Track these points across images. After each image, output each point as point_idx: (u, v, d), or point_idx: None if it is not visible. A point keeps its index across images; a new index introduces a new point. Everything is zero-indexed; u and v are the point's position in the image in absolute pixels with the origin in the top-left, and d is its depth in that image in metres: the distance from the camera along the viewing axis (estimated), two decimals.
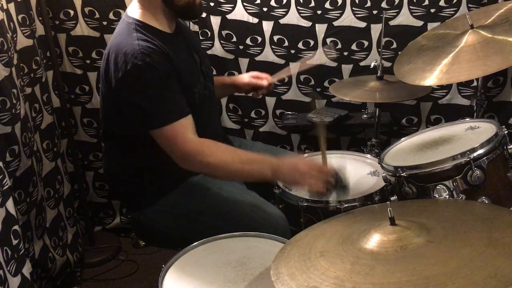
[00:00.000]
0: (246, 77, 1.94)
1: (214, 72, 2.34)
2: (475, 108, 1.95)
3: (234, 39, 2.35)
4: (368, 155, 1.92)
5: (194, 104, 1.58)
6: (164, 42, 1.52)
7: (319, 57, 1.90)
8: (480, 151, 1.38)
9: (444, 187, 1.41)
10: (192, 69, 1.64)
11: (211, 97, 1.75)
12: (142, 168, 1.64)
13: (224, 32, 2.35)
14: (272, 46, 2.34)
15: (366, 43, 2.27)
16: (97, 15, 2.29)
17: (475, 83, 2.20)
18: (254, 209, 1.57)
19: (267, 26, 2.30)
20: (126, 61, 1.43)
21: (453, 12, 2.14)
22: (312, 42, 2.30)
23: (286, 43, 2.32)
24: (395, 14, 2.19)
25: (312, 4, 2.23)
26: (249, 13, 2.29)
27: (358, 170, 1.81)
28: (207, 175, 1.58)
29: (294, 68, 2.03)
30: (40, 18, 2.24)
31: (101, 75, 1.57)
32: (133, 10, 1.57)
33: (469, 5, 2.10)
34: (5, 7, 1.88)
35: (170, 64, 1.49)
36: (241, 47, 2.36)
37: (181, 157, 1.48)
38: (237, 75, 2.01)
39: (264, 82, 1.93)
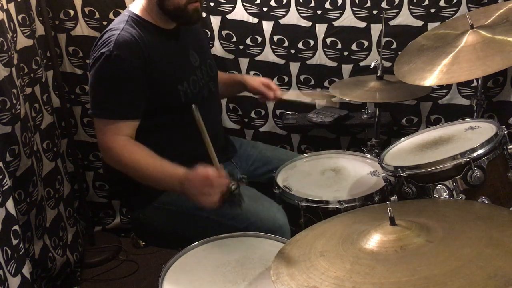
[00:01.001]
0: (256, 82, 1.93)
1: None
2: (475, 108, 1.95)
3: (234, 39, 2.35)
4: (368, 155, 1.92)
5: (178, 102, 1.60)
6: (153, 36, 1.55)
7: (336, 99, 1.86)
8: (480, 151, 1.38)
9: (444, 187, 1.41)
10: (181, 66, 1.65)
11: (211, 97, 1.75)
12: None
13: (224, 32, 2.35)
14: (272, 46, 2.34)
15: (366, 43, 2.27)
16: (97, 15, 2.29)
17: (475, 83, 2.20)
18: (252, 202, 1.57)
19: (267, 26, 2.30)
20: (101, 47, 1.50)
21: (453, 12, 2.14)
22: (312, 42, 2.30)
23: (286, 43, 2.32)
24: (395, 14, 2.19)
25: (312, 4, 2.23)
26: (249, 13, 2.29)
27: (358, 170, 1.81)
28: (123, 171, 1.56)
29: (306, 95, 1.98)
30: (40, 18, 2.24)
31: None
32: (135, 5, 1.62)
33: (469, 5, 2.10)
34: (5, 7, 1.88)
35: (143, 61, 1.51)
36: (241, 47, 2.36)
37: (102, 149, 1.55)
38: (250, 75, 1.99)
39: (271, 95, 1.92)
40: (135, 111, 1.54)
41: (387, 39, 2.22)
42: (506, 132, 1.46)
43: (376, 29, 2.23)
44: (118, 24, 1.55)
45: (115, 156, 1.51)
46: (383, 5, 2.18)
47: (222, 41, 2.37)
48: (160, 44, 1.58)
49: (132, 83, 1.51)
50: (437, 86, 2.26)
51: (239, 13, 2.30)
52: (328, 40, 2.28)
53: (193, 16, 1.59)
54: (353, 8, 2.21)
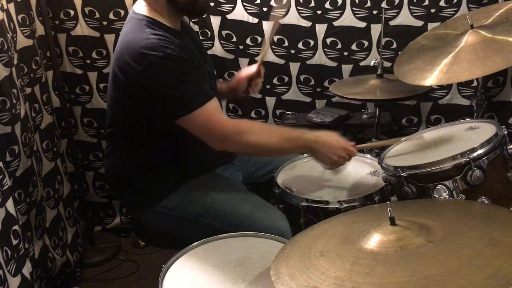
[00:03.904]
0: (238, 74, 1.92)
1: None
2: (475, 108, 1.95)
3: (234, 39, 2.35)
4: (368, 155, 1.92)
5: None
6: (174, 37, 1.51)
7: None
8: (480, 151, 1.38)
9: (444, 187, 1.41)
10: (201, 65, 1.64)
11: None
12: (144, 168, 1.63)
13: (224, 32, 2.35)
14: (272, 46, 2.34)
15: (366, 43, 2.27)
16: (97, 15, 2.29)
17: (475, 83, 2.20)
18: (255, 210, 1.57)
19: (267, 26, 2.30)
20: (147, 54, 1.41)
21: (453, 12, 2.14)
22: (312, 42, 2.30)
23: (286, 43, 2.32)
24: (395, 14, 2.19)
25: (312, 4, 2.23)
26: (249, 13, 2.29)
27: (358, 170, 1.81)
28: (246, 154, 1.60)
29: (268, 33, 1.97)
30: (40, 18, 2.24)
31: (111, 74, 1.54)
32: (140, 8, 1.55)
33: (469, 5, 2.11)
34: (5, 7, 1.88)
35: (188, 55, 1.50)
36: (241, 47, 2.36)
37: (220, 138, 1.47)
38: (236, 76, 1.98)
39: (253, 68, 1.88)
40: (210, 88, 1.54)
41: (387, 39, 2.22)
42: (506, 132, 1.46)
43: (376, 29, 2.23)
44: (140, 31, 1.47)
45: (236, 139, 1.48)
46: (383, 5, 2.18)
47: (222, 41, 2.37)
48: (182, 44, 1.53)
49: (195, 68, 1.49)
50: (437, 86, 2.26)
51: (239, 13, 2.30)
52: (328, 40, 2.29)
53: (204, 6, 1.58)
54: (353, 8, 2.21)
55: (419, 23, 2.18)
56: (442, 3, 2.14)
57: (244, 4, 2.27)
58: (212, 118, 1.46)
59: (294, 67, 2.37)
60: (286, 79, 2.40)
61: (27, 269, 1.56)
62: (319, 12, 2.24)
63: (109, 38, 2.32)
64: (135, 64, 1.43)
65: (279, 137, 1.53)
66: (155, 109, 1.50)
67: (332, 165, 1.60)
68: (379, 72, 2.02)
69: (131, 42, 1.46)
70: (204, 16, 2.31)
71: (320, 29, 2.27)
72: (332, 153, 1.55)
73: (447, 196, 1.40)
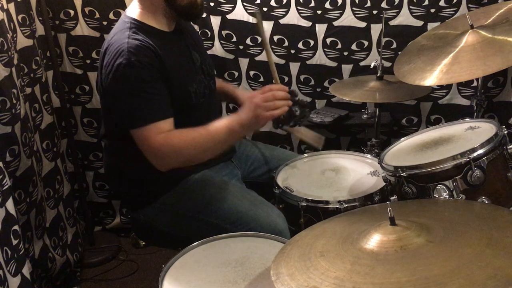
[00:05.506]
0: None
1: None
2: (475, 108, 1.95)
3: (234, 39, 2.35)
4: (368, 155, 1.92)
5: (190, 103, 1.60)
6: (158, 40, 1.54)
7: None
8: (480, 151, 1.38)
9: (444, 187, 1.41)
10: (188, 67, 1.64)
11: (211, 95, 1.75)
12: (142, 166, 1.63)
13: (224, 32, 2.35)
14: (272, 46, 2.33)
15: (366, 43, 2.27)
16: (97, 15, 2.29)
17: (475, 83, 2.20)
18: (252, 207, 1.57)
19: (267, 26, 2.30)
20: (114, 58, 1.46)
21: (453, 12, 2.14)
22: (312, 42, 2.30)
23: (286, 43, 2.32)
24: (395, 14, 2.19)
25: (312, 4, 2.23)
26: (249, 13, 2.29)
27: (358, 170, 1.81)
28: (186, 163, 1.55)
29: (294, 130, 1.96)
30: (40, 18, 2.25)
31: (98, 74, 1.59)
32: (132, 10, 1.59)
33: (469, 5, 2.11)
34: (5, 7, 1.88)
35: (158, 64, 1.50)
36: (241, 47, 2.36)
37: (152, 156, 1.49)
38: (241, 91, 1.99)
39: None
40: (169, 109, 1.51)
41: (387, 39, 2.22)
42: (506, 132, 1.46)
43: (376, 29, 2.23)
44: (121, 33, 1.51)
45: (166, 152, 1.47)
46: (383, 5, 2.18)
47: (222, 41, 2.37)
48: (166, 47, 1.56)
49: (157, 84, 1.49)
50: (437, 86, 2.26)
51: (239, 13, 2.30)
52: (328, 40, 2.28)
53: (202, 10, 1.61)
54: (353, 8, 2.21)
55: (419, 23, 2.18)
56: (442, 3, 2.14)
57: (244, 4, 2.27)
58: (149, 140, 1.47)
59: (294, 67, 2.37)
60: (286, 79, 2.39)
61: (27, 269, 1.56)
62: (319, 12, 2.24)
63: None
64: (106, 65, 1.49)
65: (207, 132, 1.48)
66: (114, 114, 1.56)
67: (269, 119, 1.47)
68: (379, 74, 2.02)
69: (109, 43, 1.52)
70: (204, 16, 2.31)
71: (320, 29, 2.27)
72: (256, 112, 1.44)
73: (447, 196, 1.40)
